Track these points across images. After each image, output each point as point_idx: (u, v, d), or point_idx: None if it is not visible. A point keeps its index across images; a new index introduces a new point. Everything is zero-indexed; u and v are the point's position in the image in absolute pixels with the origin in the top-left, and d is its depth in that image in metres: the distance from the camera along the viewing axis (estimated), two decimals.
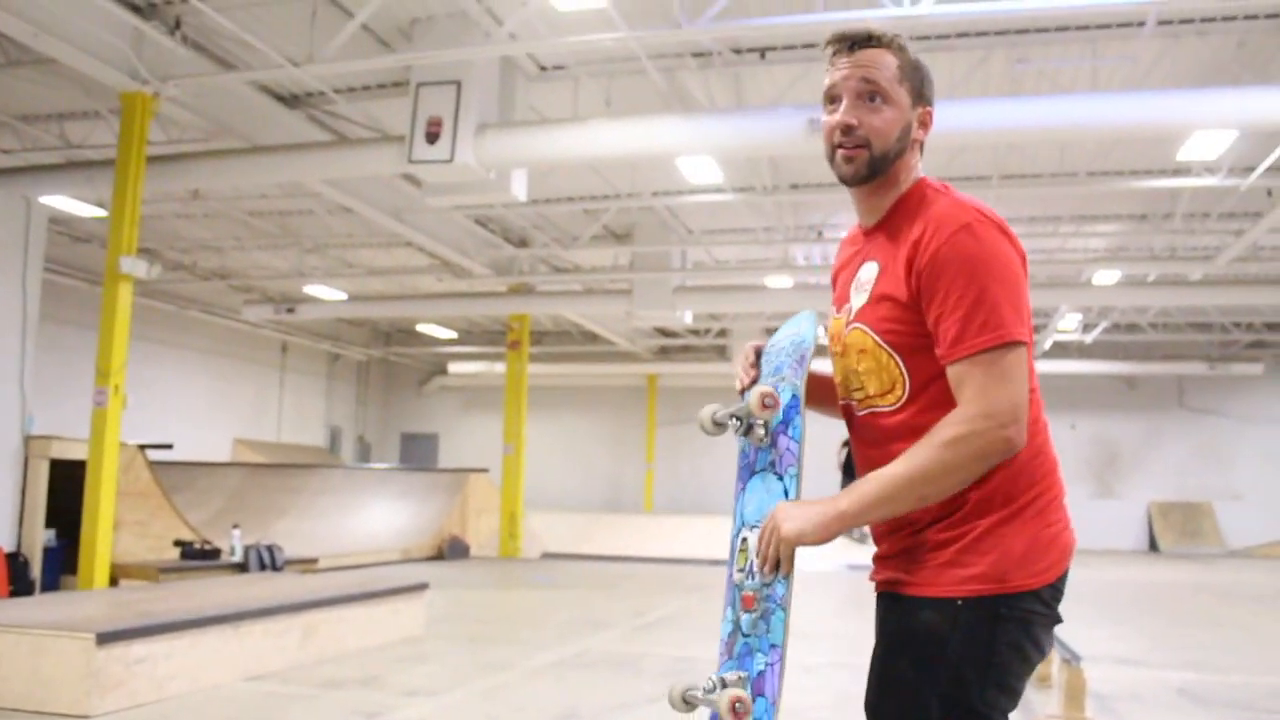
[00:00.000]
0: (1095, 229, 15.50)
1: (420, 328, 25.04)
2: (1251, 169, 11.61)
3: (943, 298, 1.97)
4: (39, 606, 6.34)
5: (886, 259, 2.09)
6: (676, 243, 16.23)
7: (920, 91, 2.16)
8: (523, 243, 16.89)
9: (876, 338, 2.07)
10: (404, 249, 17.39)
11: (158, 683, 5.61)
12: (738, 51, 10.30)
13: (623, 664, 7.36)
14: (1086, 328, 21.46)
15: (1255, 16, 9.22)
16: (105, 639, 5.25)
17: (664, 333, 24.42)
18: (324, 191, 12.63)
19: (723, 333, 24.18)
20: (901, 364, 2.05)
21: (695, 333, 24.03)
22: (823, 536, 1.99)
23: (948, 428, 1.93)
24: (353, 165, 10.87)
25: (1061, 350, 23.19)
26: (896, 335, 2.04)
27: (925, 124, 2.17)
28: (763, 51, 10.25)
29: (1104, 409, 24.18)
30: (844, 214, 15.13)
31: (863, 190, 2.16)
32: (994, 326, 1.93)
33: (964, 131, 9.20)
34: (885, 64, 2.13)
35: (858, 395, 2.15)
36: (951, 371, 1.97)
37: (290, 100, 11.63)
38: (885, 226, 2.13)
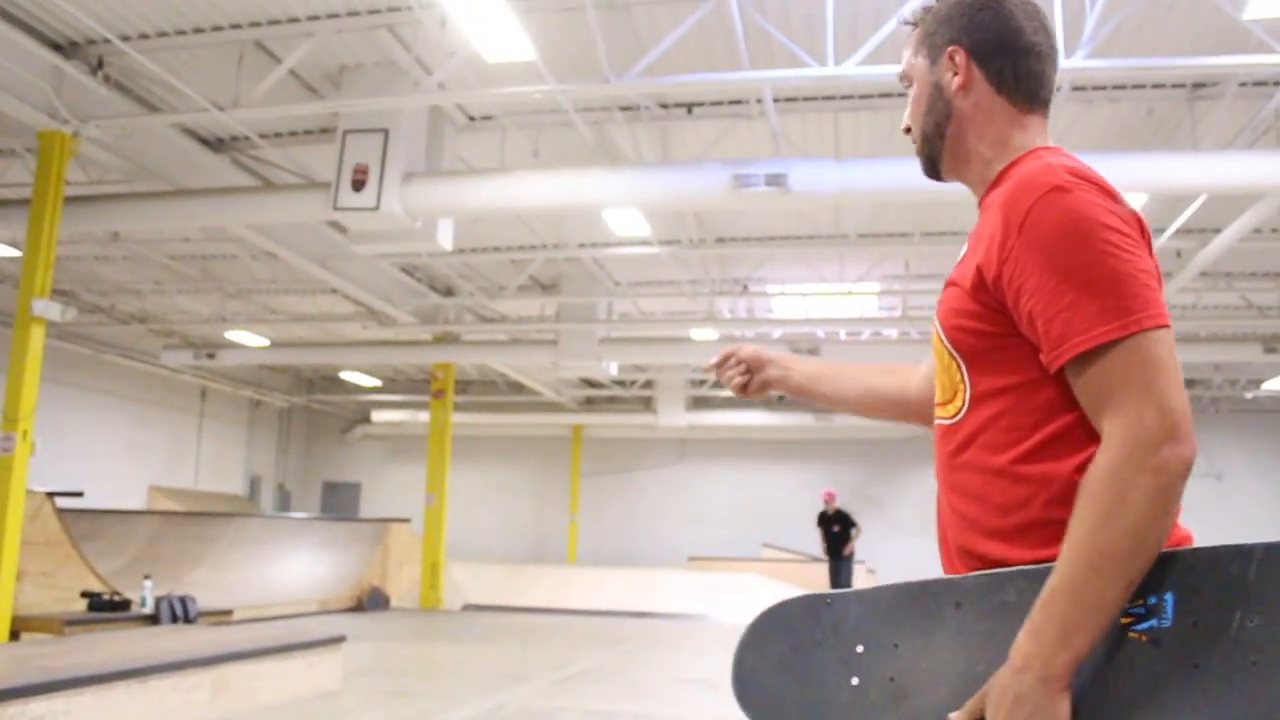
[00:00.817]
0: None
1: (344, 375, 24.78)
2: (1162, 230, 11.95)
3: (1036, 284, 1.49)
4: None
5: (970, 244, 1.70)
6: (603, 294, 16.29)
7: (932, 41, 1.77)
8: (449, 291, 16.84)
9: (941, 334, 1.67)
10: (329, 296, 17.23)
11: None
12: (665, 106, 10.42)
13: (540, 718, 7.27)
14: None
15: (1163, 85, 9.56)
16: (2, 697, 5.07)
17: (590, 383, 24.44)
18: (248, 236, 12.48)
19: (648, 384, 24.26)
20: (963, 368, 1.64)
21: (621, 384, 24.06)
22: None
23: (1095, 477, 1.42)
24: (278, 211, 10.75)
25: None
26: (960, 333, 1.62)
27: (957, 68, 1.73)
28: (689, 107, 10.38)
29: None
30: (770, 267, 15.32)
31: (954, 181, 1.83)
32: (1119, 312, 1.44)
33: (887, 190, 9.38)
34: (909, 44, 1.83)
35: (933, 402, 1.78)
36: (1073, 381, 1.49)
37: (215, 144, 11.53)
38: (981, 209, 1.71)
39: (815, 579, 18.76)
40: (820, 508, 16.87)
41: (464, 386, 24.25)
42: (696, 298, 16.54)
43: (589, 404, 26.04)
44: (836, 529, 16.28)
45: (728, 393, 23.89)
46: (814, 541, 17.27)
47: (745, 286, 16.17)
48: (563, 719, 7.28)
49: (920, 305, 16.39)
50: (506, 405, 25.65)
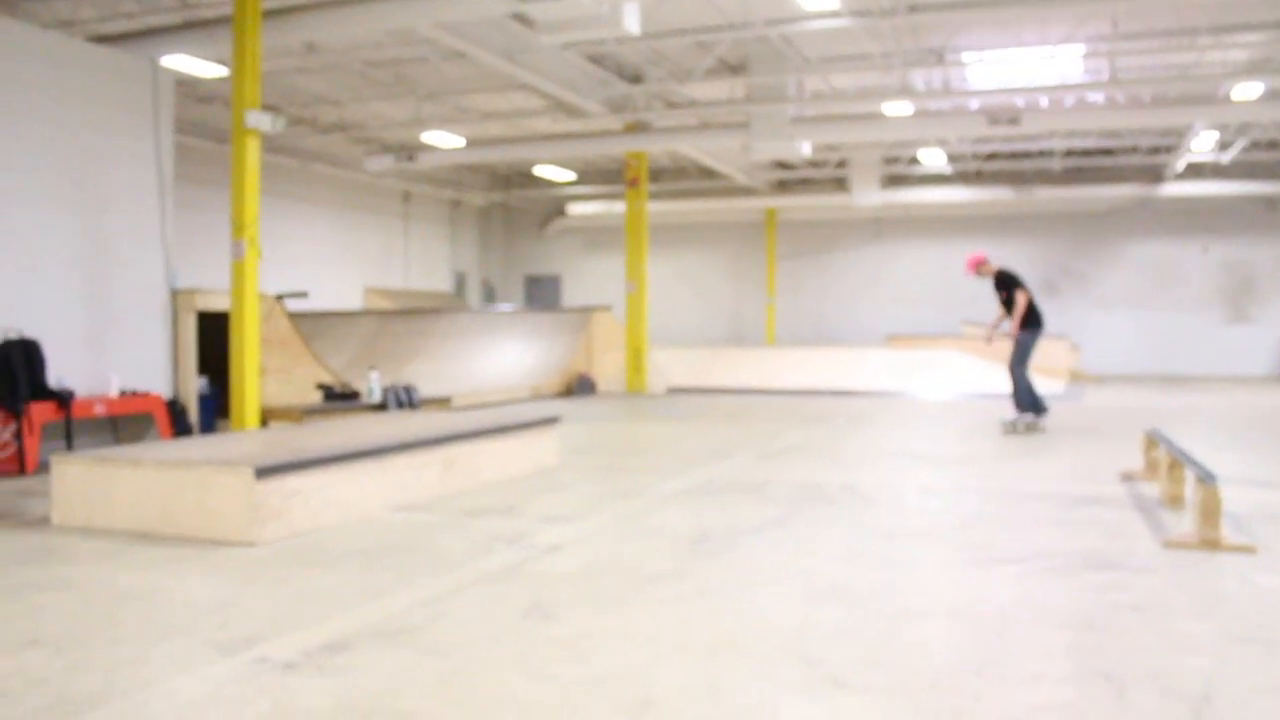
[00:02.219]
0: (1236, 39, 14.59)
1: (538, 170, 25.08)
2: None
3: None
4: (201, 446, 6.73)
5: None
6: (792, 72, 15.82)
7: None
8: (636, 79, 16.67)
9: None
10: (519, 91, 17.32)
11: (312, 513, 5.96)
12: None
13: (749, 490, 7.53)
14: (1223, 146, 20.38)
15: None
16: (263, 473, 5.59)
17: (782, 166, 24.05)
18: (437, 37, 12.59)
19: (842, 164, 23.72)
20: None
21: (814, 165, 23.60)
22: None
23: None
24: (464, 7, 10.79)
25: (1195, 171, 22.20)
26: None
27: None
28: None
29: (1240, 231, 23.14)
30: (966, 34, 14.54)
31: None
32: None
33: None
34: None
35: None
36: None
37: None
38: None
39: None
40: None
41: (656, 175, 24.26)
42: (889, 71, 15.88)
43: (782, 187, 25.70)
44: (1004, 296, 11.90)
45: (923, 169, 23.25)
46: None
47: (940, 56, 15.42)
48: (772, 490, 7.52)
49: (1129, 67, 15.33)
50: (699, 192, 25.58)
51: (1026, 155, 23.14)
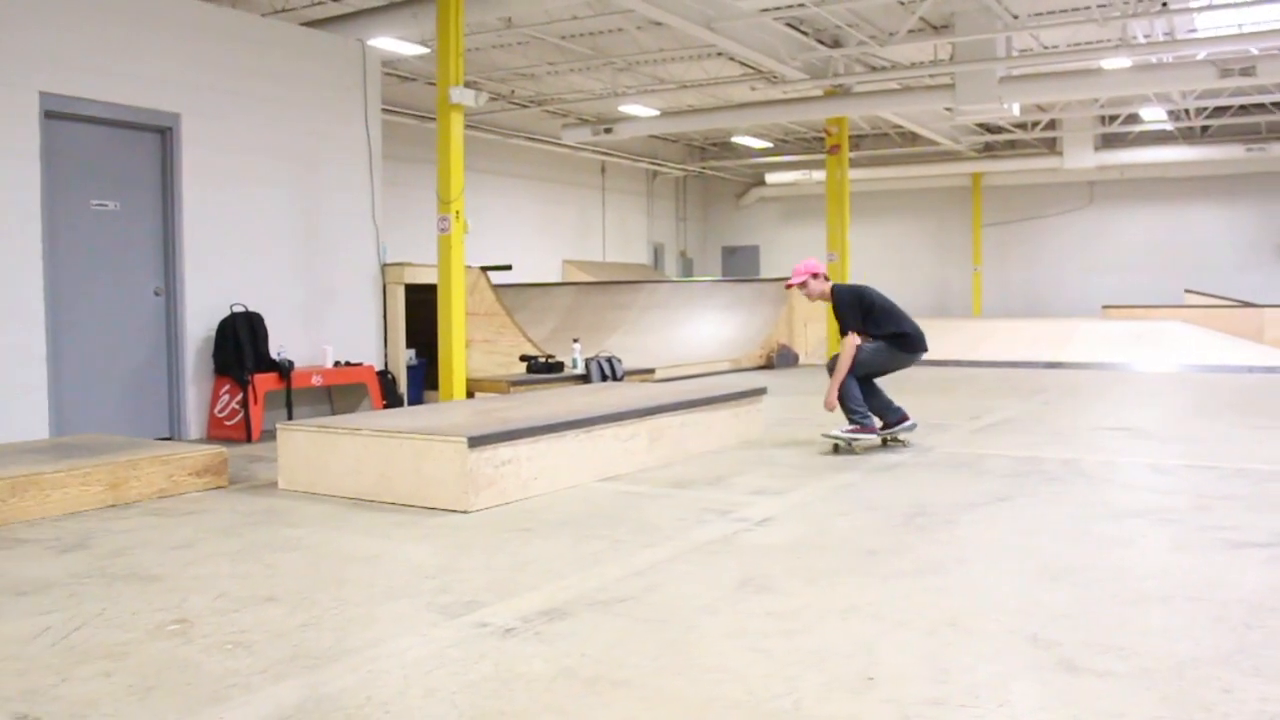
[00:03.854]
0: None
1: (735, 139, 24.90)
2: None
3: None
4: (414, 416, 6.88)
5: None
6: (1000, 29, 15.16)
7: None
8: (836, 43, 16.28)
9: None
10: (715, 60, 17.20)
11: (523, 482, 6.01)
12: None
13: (964, 464, 7.24)
14: None
15: None
16: (476, 443, 5.65)
17: (988, 129, 23.18)
18: (634, 7, 12.56)
19: (1052, 124, 22.70)
20: None
21: (1022, 126, 22.67)
22: None
23: None
24: None
25: None
26: None
27: None
28: None
29: None
30: None
31: None
32: None
33: None
34: None
35: None
36: None
37: None
38: None
39: (1246, 326, 17.32)
40: None
41: (855, 142, 23.75)
42: (1106, 23, 15.01)
43: (988, 150, 24.81)
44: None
45: (1142, 128, 22.01)
46: (1244, 286, 15.68)
47: (1164, 3, 14.50)
48: (989, 464, 7.22)
49: None
50: (901, 158, 24.94)
51: (1261, 109, 21.58)
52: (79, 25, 8.33)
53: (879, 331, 7.81)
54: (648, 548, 4.89)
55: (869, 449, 7.91)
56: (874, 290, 8.13)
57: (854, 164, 21.72)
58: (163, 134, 8.99)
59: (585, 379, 11.00)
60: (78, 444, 6.88)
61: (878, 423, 7.89)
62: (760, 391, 8.64)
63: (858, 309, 7.86)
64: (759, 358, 16.64)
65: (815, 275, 8.09)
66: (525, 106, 19.99)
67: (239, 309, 9.17)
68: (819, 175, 22.57)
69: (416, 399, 10.78)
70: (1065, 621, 3.71)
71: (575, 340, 11.51)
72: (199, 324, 9.13)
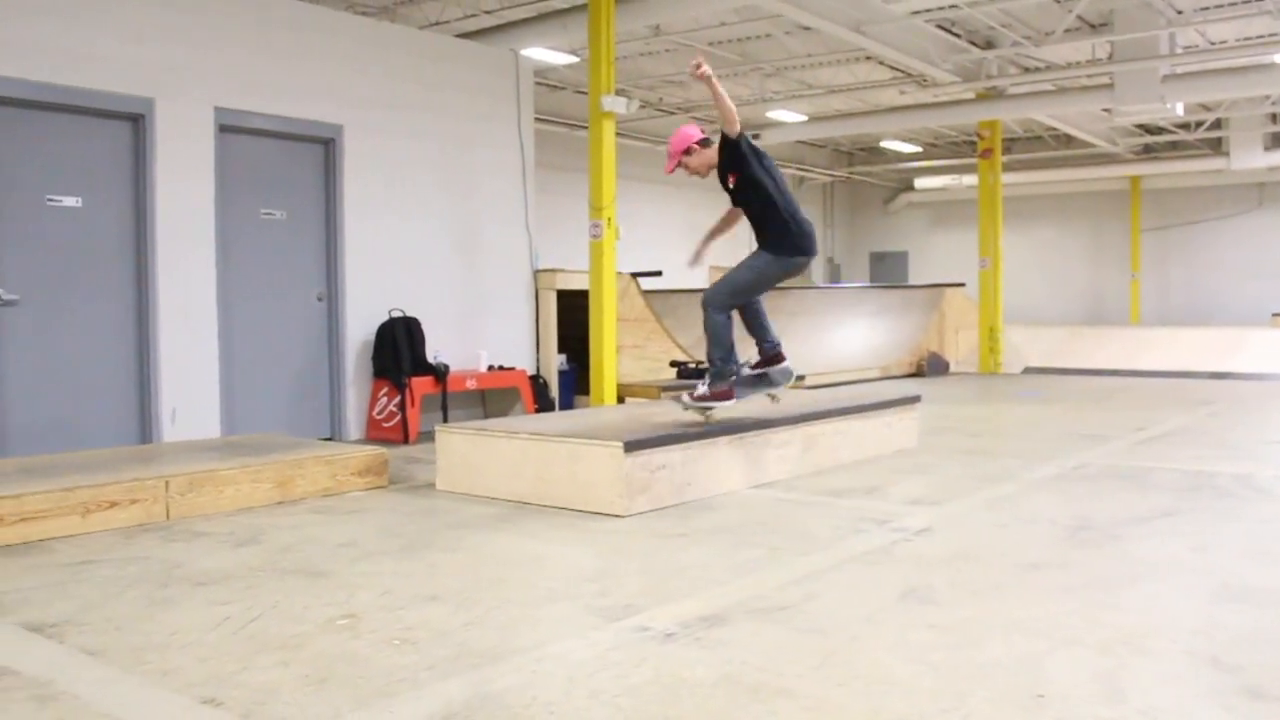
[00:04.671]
0: None
1: (884, 144, 24.55)
2: None
3: None
4: (568, 420, 6.98)
5: None
6: (1163, 26, 14.59)
7: None
8: (989, 44, 15.91)
9: None
10: (864, 64, 16.98)
11: (677, 488, 6.02)
12: None
13: (1128, 478, 6.98)
14: None
15: None
16: (631, 447, 5.69)
17: (1148, 129, 22.32)
18: (783, 11, 12.49)
19: (1218, 124, 21.73)
20: None
21: (1185, 126, 21.76)
22: None
23: None
24: None
25: None
26: None
27: None
28: None
29: None
30: None
31: None
32: None
33: None
34: None
35: None
36: None
37: None
38: None
39: None
40: None
41: (1008, 145, 23.14)
42: None
43: (1147, 152, 23.90)
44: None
45: None
46: None
47: None
48: (1155, 478, 6.94)
49: None
50: (1054, 161, 24.21)
51: None
52: (250, 42, 8.69)
53: (781, 218, 6.29)
54: (805, 556, 4.84)
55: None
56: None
57: (1006, 168, 21.17)
58: (326, 145, 9.30)
59: None
60: (248, 443, 7.15)
61: (745, 368, 6.53)
62: (914, 399, 8.49)
63: (754, 153, 6.33)
64: (909, 365, 16.36)
65: (691, 148, 6.38)
66: (673, 114, 20.06)
67: (397, 314, 9.42)
68: (969, 180, 22.06)
69: (567, 404, 10.91)
70: (1248, 645, 3.53)
71: None
72: (359, 328, 9.41)
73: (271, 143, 8.97)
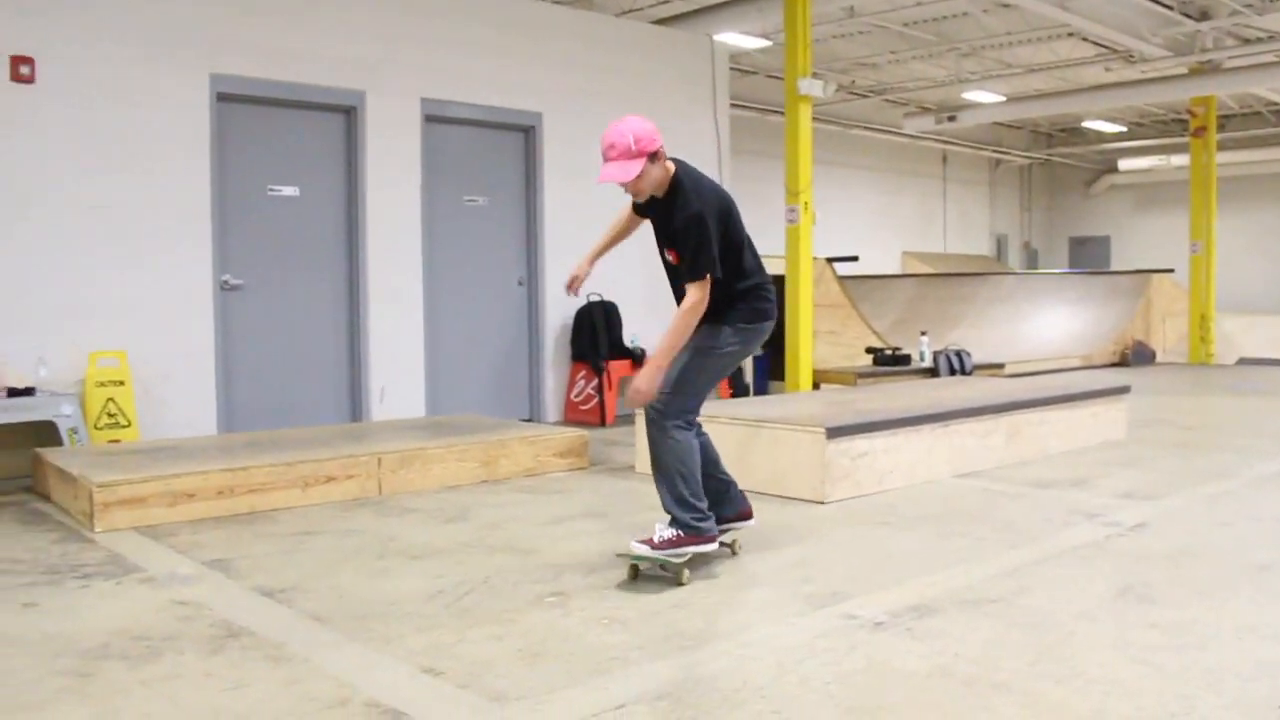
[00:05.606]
0: None
1: (1085, 124, 23.60)
2: None
3: None
4: (767, 406, 6.96)
5: None
6: None
7: None
8: (1204, 15, 15.08)
9: None
10: (1066, 41, 16.33)
11: (878, 476, 5.94)
12: None
13: None
14: None
15: None
16: (833, 434, 5.64)
17: None
18: None
19: None
20: None
21: None
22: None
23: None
24: None
25: None
26: None
27: None
28: None
29: None
30: None
31: None
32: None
33: None
34: None
35: None
36: None
37: None
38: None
39: None
40: None
41: (1222, 122, 21.92)
42: None
43: None
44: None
45: None
46: None
47: None
48: None
49: None
50: (1275, 138, 22.82)
51: None
52: (453, 35, 8.95)
53: (743, 283, 4.42)
54: (1013, 548, 4.71)
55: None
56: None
57: (1221, 146, 20.05)
58: (526, 133, 9.51)
59: (933, 372, 10.75)
60: (453, 423, 7.39)
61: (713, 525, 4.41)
62: (1123, 390, 8.15)
63: (720, 226, 4.28)
64: (1112, 354, 15.72)
65: (655, 154, 4.23)
66: (866, 96, 19.75)
67: (594, 298, 9.57)
68: (1179, 160, 21.00)
69: (762, 389, 10.89)
70: None
71: (923, 333, 11.26)
72: (557, 313, 9.60)
73: (474, 131, 9.22)
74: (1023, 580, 4.17)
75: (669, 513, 4.30)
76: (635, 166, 4.15)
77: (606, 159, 4.19)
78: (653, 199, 4.37)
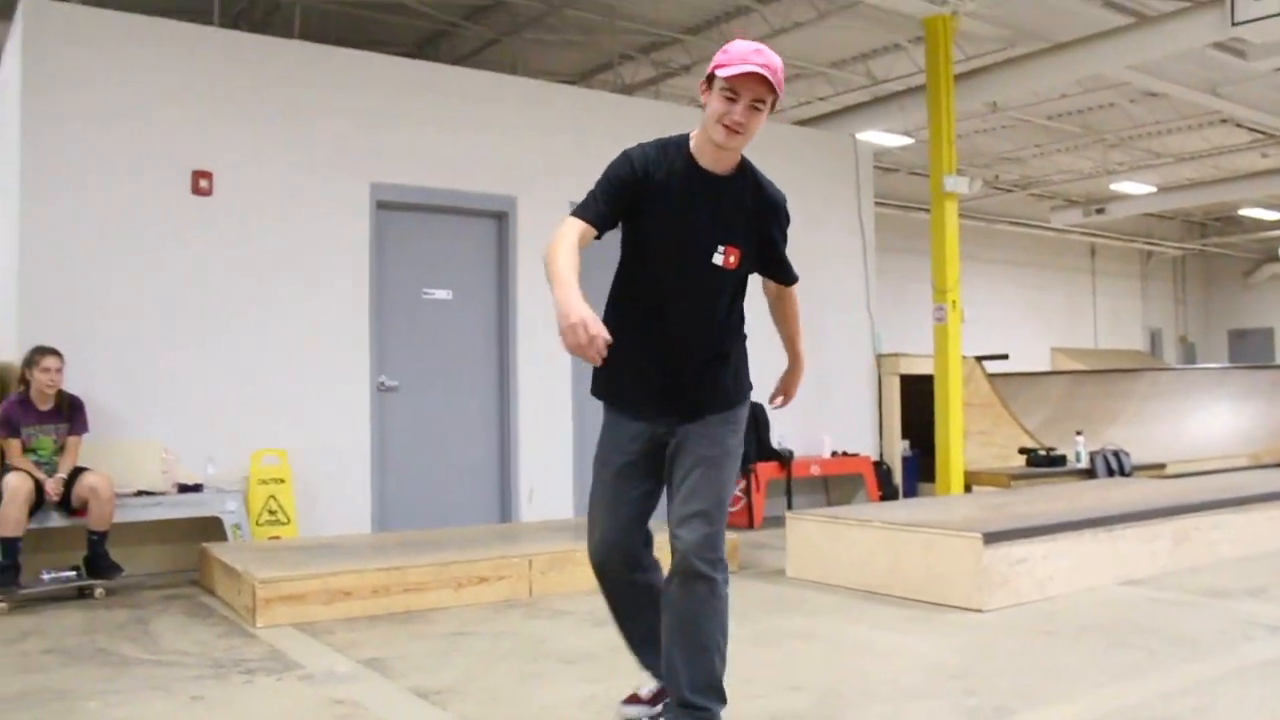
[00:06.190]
0: None
1: (1242, 212, 22.86)
2: None
3: None
4: (920, 509, 6.82)
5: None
6: None
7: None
8: None
9: None
10: (1219, 128, 15.93)
11: (1038, 583, 5.74)
12: None
13: None
14: None
15: None
16: (990, 539, 5.48)
17: None
18: (1129, 79, 11.97)
19: None
20: None
21: None
22: None
23: None
24: (1162, 43, 10.09)
25: None
26: None
27: None
28: None
29: None
30: None
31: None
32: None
33: None
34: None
35: None
36: None
37: None
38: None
39: None
40: None
41: None
42: None
43: None
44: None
45: None
46: None
47: None
48: None
49: None
50: None
51: None
52: (602, 139, 9.15)
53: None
54: (1189, 663, 4.48)
55: None
56: None
57: None
58: None
59: (1090, 473, 10.40)
60: None
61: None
62: None
63: None
64: None
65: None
66: (1010, 190, 19.53)
67: None
68: None
69: (911, 491, 10.69)
70: None
71: (1078, 433, 10.92)
72: None
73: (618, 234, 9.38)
74: (1202, 699, 3.95)
75: (693, 701, 3.20)
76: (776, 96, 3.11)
77: (758, 63, 3.02)
78: (686, 177, 3.24)
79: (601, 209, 3.17)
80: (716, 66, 3.08)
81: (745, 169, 3.32)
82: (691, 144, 3.26)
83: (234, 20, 10.39)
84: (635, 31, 11.59)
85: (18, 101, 6.94)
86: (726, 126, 3.05)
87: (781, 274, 3.57)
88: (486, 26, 11.25)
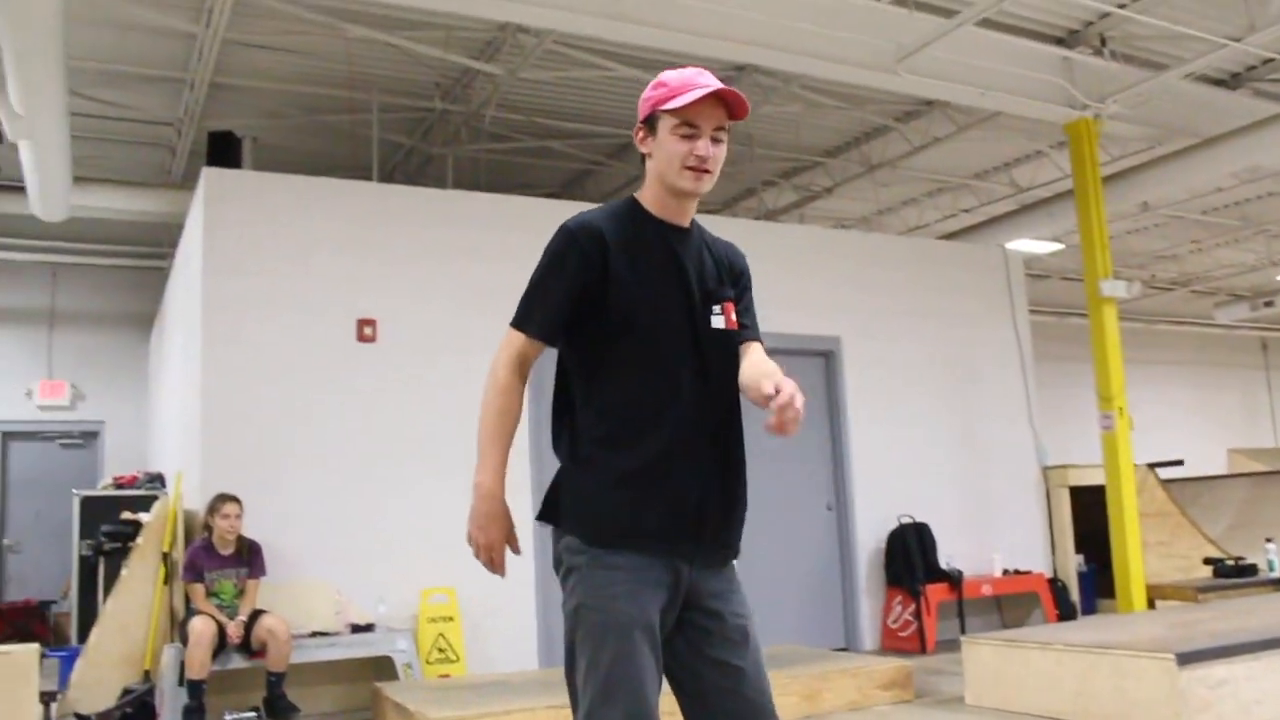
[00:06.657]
0: None
1: None
2: None
3: None
4: (1105, 628, 6.52)
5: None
6: None
7: None
8: None
9: None
10: None
11: (1243, 707, 5.39)
12: None
13: None
14: None
15: None
16: (1185, 660, 5.19)
17: None
18: None
19: None
20: None
21: None
22: None
23: None
24: None
25: None
26: None
27: None
28: None
29: None
30: None
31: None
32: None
33: None
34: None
35: None
36: None
37: (1230, 81, 10.85)
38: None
39: None
40: None
41: None
42: None
43: None
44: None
45: None
46: None
47: None
48: None
49: None
50: None
51: None
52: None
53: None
54: None
55: None
56: None
57: None
58: (825, 357, 9.64)
59: None
60: (772, 654, 7.24)
61: None
62: None
63: None
64: None
65: None
66: (1170, 289, 18.95)
67: (906, 520, 9.37)
68: None
69: (1089, 608, 10.25)
70: None
71: (1268, 540, 10.32)
72: (869, 536, 9.45)
73: (776, 358, 9.39)
74: None
75: None
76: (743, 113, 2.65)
77: (709, 83, 2.59)
78: (657, 235, 2.69)
79: (550, 314, 2.61)
80: (657, 103, 2.56)
81: (692, 222, 2.75)
82: (645, 205, 2.69)
83: (389, 174, 10.93)
84: (775, 159, 11.77)
85: (200, 260, 7.44)
86: (692, 169, 2.54)
87: (754, 326, 2.90)
88: (629, 164, 11.57)
